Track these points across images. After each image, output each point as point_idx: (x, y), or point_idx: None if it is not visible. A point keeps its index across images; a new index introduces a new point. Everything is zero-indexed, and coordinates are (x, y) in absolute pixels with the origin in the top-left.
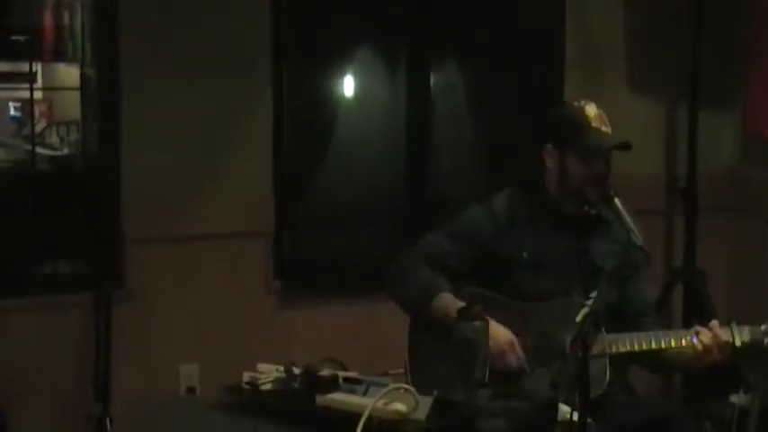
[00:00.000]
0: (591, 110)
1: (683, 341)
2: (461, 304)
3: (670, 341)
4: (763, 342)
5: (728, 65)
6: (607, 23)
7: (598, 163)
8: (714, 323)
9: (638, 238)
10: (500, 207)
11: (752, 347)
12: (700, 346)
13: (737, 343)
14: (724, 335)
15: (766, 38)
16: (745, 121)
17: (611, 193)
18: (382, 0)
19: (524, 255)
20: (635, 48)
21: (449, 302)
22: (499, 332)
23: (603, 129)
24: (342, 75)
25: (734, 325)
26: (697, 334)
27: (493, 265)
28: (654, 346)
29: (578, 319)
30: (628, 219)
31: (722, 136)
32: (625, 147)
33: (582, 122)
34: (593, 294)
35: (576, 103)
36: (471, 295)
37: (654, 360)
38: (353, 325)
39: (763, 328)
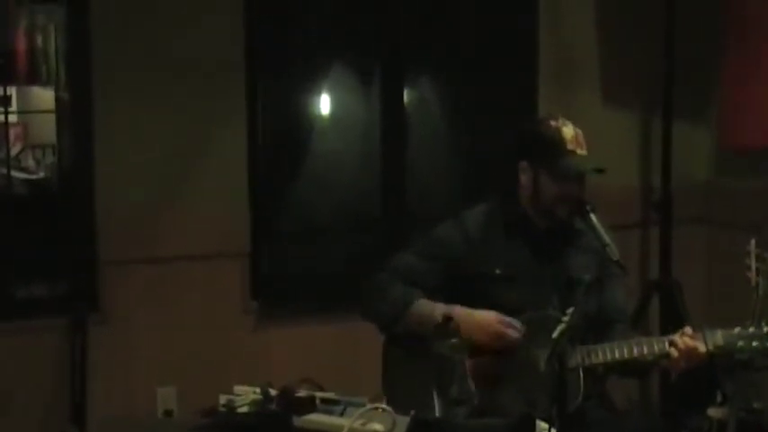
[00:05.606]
0: (568, 131)
1: (657, 348)
2: (441, 306)
3: (643, 349)
4: (736, 345)
5: (701, 78)
6: (581, 37)
7: (571, 184)
8: (687, 329)
9: (615, 253)
10: (473, 222)
11: (726, 351)
12: (675, 353)
13: (710, 347)
14: (697, 340)
15: (738, 51)
16: (719, 132)
17: (588, 208)
18: (356, 15)
19: (497, 271)
20: (608, 61)
21: (428, 306)
22: (484, 318)
23: (579, 151)
24: (316, 89)
25: (706, 329)
26: (670, 342)
27: (465, 282)
28: (627, 355)
29: (555, 335)
30: (604, 234)
31: (696, 148)
32: (599, 171)
33: (558, 144)
34: (570, 310)
35: (553, 123)
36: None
37: (629, 369)
38: (331, 344)
39: (735, 331)
